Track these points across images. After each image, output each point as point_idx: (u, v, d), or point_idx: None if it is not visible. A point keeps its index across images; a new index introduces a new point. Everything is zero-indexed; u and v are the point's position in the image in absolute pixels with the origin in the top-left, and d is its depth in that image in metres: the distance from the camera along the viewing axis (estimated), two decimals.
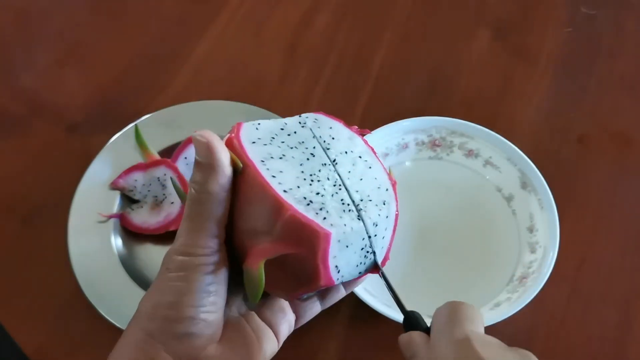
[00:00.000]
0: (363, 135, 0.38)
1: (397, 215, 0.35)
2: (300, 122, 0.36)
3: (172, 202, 0.59)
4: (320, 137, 0.35)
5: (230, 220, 0.33)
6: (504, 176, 0.60)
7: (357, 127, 0.38)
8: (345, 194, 0.33)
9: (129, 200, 0.60)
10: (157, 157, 0.61)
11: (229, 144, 0.34)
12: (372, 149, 0.36)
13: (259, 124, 0.35)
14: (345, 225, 0.32)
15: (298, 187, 0.32)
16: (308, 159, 0.34)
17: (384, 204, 0.34)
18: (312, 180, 0.33)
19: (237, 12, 0.76)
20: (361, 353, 0.55)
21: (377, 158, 0.36)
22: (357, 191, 0.34)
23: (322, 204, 0.32)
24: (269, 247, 0.32)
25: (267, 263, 0.32)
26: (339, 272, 0.33)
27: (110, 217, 0.58)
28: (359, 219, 0.33)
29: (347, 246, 0.32)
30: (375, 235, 0.34)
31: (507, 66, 0.72)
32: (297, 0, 0.77)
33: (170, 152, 0.62)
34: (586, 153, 0.66)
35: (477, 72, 0.72)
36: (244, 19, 0.76)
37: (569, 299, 0.57)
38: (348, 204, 0.33)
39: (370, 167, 0.35)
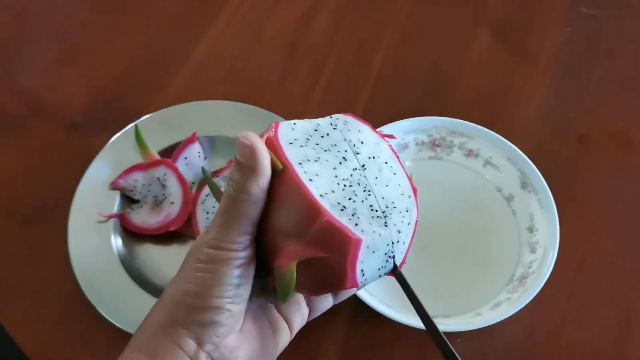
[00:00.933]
0: (386, 138, 0.38)
1: (417, 222, 0.36)
2: (331, 124, 0.37)
3: (172, 202, 0.59)
4: (350, 140, 0.36)
5: (261, 216, 0.34)
6: (504, 176, 0.60)
7: (381, 130, 0.38)
8: (374, 200, 0.34)
9: (129, 200, 0.60)
10: (157, 157, 0.61)
11: (269, 144, 0.34)
12: (396, 154, 0.37)
13: (294, 123, 0.36)
14: (374, 232, 0.33)
15: (333, 191, 0.33)
16: (340, 163, 0.35)
17: (407, 211, 0.35)
18: (344, 185, 0.34)
19: (237, 12, 0.76)
20: (361, 353, 0.55)
21: (401, 163, 0.37)
22: (383, 198, 0.34)
23: (354, 209, 0.33)
24: (301, 249, 0.32)
25: (296, 263, 0.33)
26: (363, 275, 0.34)
27: (110, 217, 0.58)
28: (385, 226, 0.34)
29: (373, 252, 0.33)
30: (398, 242, 0.34)
31: (507, 66, 0.72)
32: (297, 0, 0.77)
33: (170, 152, 0.62)
34: (586, 153, 0.66)
35: (477, 72, 0.72)
36: (244, 19, 0.76)
37: (569, 299, 0.57)
38: (376, 210, 0.34)
39: (395, 174, 0.36)
